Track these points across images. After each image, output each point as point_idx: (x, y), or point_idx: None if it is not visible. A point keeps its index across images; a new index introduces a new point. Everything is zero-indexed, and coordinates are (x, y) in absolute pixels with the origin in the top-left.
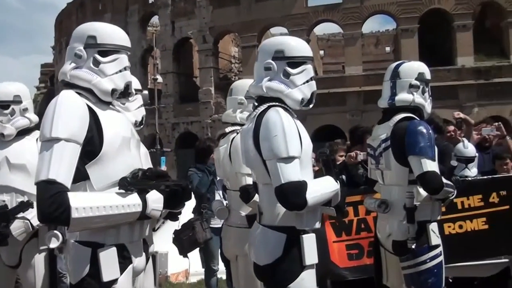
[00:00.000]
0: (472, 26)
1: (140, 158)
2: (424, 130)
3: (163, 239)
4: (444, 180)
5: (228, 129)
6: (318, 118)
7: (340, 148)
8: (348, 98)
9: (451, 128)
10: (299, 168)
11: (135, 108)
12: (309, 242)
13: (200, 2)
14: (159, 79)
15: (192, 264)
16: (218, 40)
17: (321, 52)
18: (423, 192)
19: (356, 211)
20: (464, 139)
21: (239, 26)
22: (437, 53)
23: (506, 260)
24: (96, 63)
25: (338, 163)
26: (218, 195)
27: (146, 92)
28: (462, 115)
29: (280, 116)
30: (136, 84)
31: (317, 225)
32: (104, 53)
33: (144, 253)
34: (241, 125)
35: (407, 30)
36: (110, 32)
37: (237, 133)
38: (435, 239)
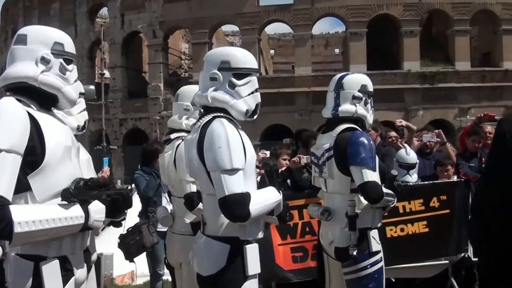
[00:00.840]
0: (419, 32)
1: (80, 167)
2: (366, 141)
3: (108, 241)
4: (385, 190)
5: (173, 135)
6: (267, 117)
7: (284, 152)
8: (297, 98)
9: (393, 134)
10: (243, 179)
11: (78, 112)
12: (252, 252)
13: None
14: (106, 74)
15: (138, 266)
16: (169, 35)
17: (272, 51)
18: (364, 201)
19: (301, 215)
20: (406, 146)
21: (190, 22)
22: (384, 57)
23: (446, 261)
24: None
25: (282, 168)
26: (165, 199)
27: (92, 87)
28: (404, 123)
29: (225, 127)
30: (79, 87)
31: (260, 234)
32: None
33: (85, 263)
34: (187, 131)
35: (356, 33)
36: None
37: (183, 140)
38: (376, 245)
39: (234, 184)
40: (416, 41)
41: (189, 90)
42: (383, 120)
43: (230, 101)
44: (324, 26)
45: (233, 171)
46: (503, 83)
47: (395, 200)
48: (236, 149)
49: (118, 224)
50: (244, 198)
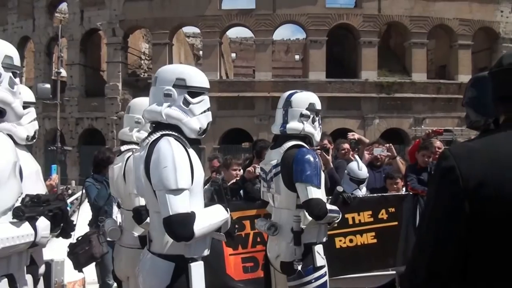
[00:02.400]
0: (378, 43)
1: (20, 184)
2: (311, 159)
3: (59, 247)
4: (329, 206)
5: (123, 148)
6: (227, 121)
7: (234, 163)
8: (257, 103)
9: (346, 146)
10: (188, 199)
11: (28, 122)
12: (197, 270)
13: None
14: (63, 72)
15: (89, 273)
16: (129, 34)
17: (233, 54)
18: (309, 217)
19: (253, 225)
20: (358, 159)
21: (150, 22)
22: (343, 66)
23: (393, 272)
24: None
25: (234, 179)
26: (116, 208)
27: (47, 85)
28: (356, 136)
29: (171, 147)
30: (29, 96)
31: (206, 252)
32: None
33: (32, 276)
34: (138, 144)
35: (316, 41)
36: None
37: (133, 152)
38: (320, 260)
39: (179, 204)
40: (374, 51)
41: (141, 103)
42: (340, 127)
43: (184, 118)
44: (285, 32)
45: (178, 191)
46: (458, 95)
47: (340, 216)
48: (182, 169)
49: (67, 235)
50: (188, 218)
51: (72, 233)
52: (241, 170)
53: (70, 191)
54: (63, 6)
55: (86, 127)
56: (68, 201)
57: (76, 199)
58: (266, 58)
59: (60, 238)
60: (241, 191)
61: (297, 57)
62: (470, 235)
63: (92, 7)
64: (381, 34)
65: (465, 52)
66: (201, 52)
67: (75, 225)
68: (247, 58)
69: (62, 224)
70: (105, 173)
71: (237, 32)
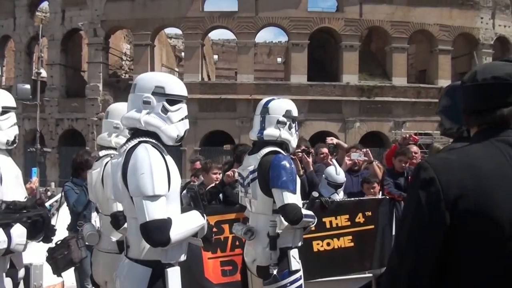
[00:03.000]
0: (359, 47)
1: None
2: (287, 165)
3: (38, 251)
4: (305, 211)
5: (102, 153)
6: (208, 122)
7: (214, 167)
8: (239, 105)
9: (325, 150)
10: (164, 206)
11: (8, 127)
12: (174, 275)
13: None
14: (43, 73)
15: (68, 277)
16: (110, 34)
17: (215, 56)
18: (285, 222)
19: (232, 229)
20: (336, 164)
21: (132, 23)
22: (325, 69)
23: (370, 275)
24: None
25: (214, 183)
26: (95, 213)
27: (27, 86)
28: (335, 141)
29: (149, 154)
30: (9, 101)
31: (182, 257)
32: None
33: (11, 279)
34: (116, 149)
35: (298, 44)
36: None
37: (111, 158)
38: (296, 264)
39: (155, 210)
40: (356, 55)
41: (119, 108)
42: (321, 130)
43: (162, 125)
44: (267, 35)
45: (154, 197)
46: (437, 99)
47: (315, 220)
48: (158, 175)
49: (48, 240)
50: (165, 224)
51: (53, 238)
52: (221, 174)
53: (49, 193)
54: (45, 5)
55: (66, 128)
56: (47, 203)
57: (56, 201)
58: (248, 61)
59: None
60: (221, 195)
61: (279, 60)
62: (451, 246)
63: (74, 6)
64: (362, 38)
65: (445, 57)
66: (183, 54)
67: (55, 229)
68: (229, 60)
69: (43, 231)
70: (84, 176)
71: (219, 34)
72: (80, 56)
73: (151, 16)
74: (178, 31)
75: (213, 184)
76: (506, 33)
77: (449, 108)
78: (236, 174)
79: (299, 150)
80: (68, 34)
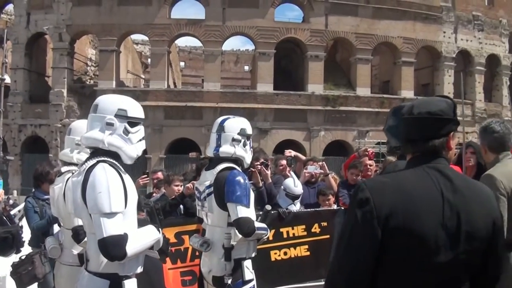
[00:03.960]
0: (324, 57)
1: None
2: (242, 180)
3: (0, 263)
4: (258, 224)
5: (64, 169)
6: (174, 130)
7: (176, 179)
8: (205, 113)
9: (284, 162)
10: (121, 222)
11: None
12: (131, 287)
13: None
14: (7, 79)
15: None
16: (75, 39)
17: (182, 63)
18: (239, 234)
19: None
20: (294, 176)
21: (98, 28)
22: (291, 78)
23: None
24: None
25: (175, 194)
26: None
27: None
28: (293, 153)
29: (106, 173)
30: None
31: (139, 269)
32: None
33: None
34: (78, 165)
35: (264, 53)
36: None
37: (73, 173)
38: (249, 274)
39: (112, 227)
40: (321, 65)
41: (82, 126)
42: (287, 138)
43: (124, 146)
44: (235, 43)
45: (111, 214)
46: None
47: (267, 232)
48: (115, 194)
49: (17, 252)
50: (121, 239)
51: (22, 249)
52: (183, 186)
53: (11, 202)
54: (10, 7)
55: (29, 135)
56: (12, 212)
57: (19, 211)
58: (215, 69)
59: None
60: (182, 206)
61: (246, 68)
62: (383, 257)
63: (39, 10)
64: (328, 49)
65: (408, 69)
66: (149, 60)
67: (24, 241)
68: (196, 67)
69: (14, 247)
70: (44, 189)
71: (186, 41)
72: (44, 60)
73: (117, 22)
74: (144, 37)
75: (173, 196)
76: (468, 46)
77: (395, 128)
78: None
79: (258, 163)
80: (32, 38)
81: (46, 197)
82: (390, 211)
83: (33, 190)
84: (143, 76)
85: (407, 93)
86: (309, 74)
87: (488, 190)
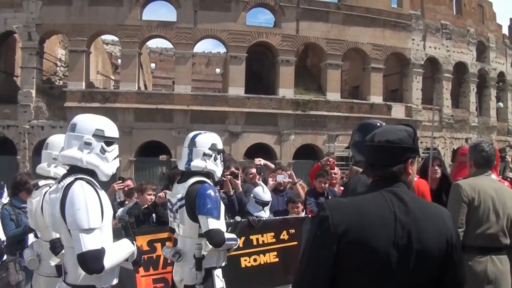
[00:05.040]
0: (295, 62)
1: None
2: (212, 194)
3: None
4: (227, 235)
5: (41, 183)
6: (144, 133)
7: (149, 188)
8: (176, 116)
9: (253, 170)
10: (99, 236)
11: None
12: None
13: None
14: None
15: None
16: (45, 39)
17: (153, 65)
18: (210, 244)
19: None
20: (263, 184)
21: (68, 28)
22: (262, 82)
23: None
24: None
25: (148, 203)
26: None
27: None
28: (263, 162)
29: (84, 191)
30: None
31: (115, 281)
32: None
33: None
34: (55, 178)
35: (236, 57)
36: None
37: (50, 187)
38: (219, 283)
39: (91, 242)
40: (292, 70)
41: (58, 140)
42: (258, 142)
43: (101, 164)
44: (206, 45)
45: (89, 230)
46: (369, 114)
47: (237, 242)
48: (93, 210)
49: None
50: (99, 253)
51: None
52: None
53: None
54: None
55: None
56: None
57: None
58: (186, 71)
59: None
60: (154, 215)
61: (217, 70)
62: (341, 270)
63: (9, 8)
64: (299, 53)
65: (377, 74)
66: (119, 61)
67: (4, 253)
68: (166, 69)
69: None
70: (22, 198)
71: (157, 42)
72: (13, 60)
73: (87, 22)
74: (115, 38)
75: (146, 205)
76: (436, 54)
77: (360, 143)
78: (168, 195)
79: (228, 173)
80: (1, 37)
81: (23, 205)
82: (346, 229)
83: (11, 198)
84: (113, 78)
85: (376, 98)
86: (280, 78)
87: (442, 211)
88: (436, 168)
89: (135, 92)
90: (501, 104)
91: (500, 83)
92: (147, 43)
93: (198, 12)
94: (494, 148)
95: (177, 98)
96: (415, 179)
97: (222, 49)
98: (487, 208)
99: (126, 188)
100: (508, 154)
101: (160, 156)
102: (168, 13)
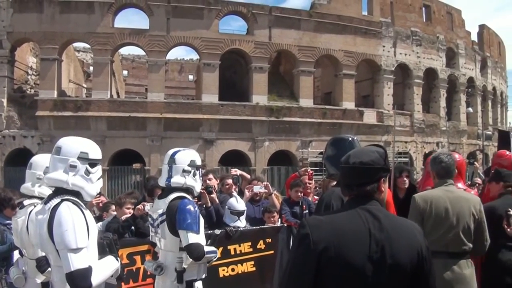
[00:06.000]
0: (268, 69)
1: None
2: (192, 209)
3: None
4: (207, 248)
5: (26, 202)
6: (117, 141)
7: (128, 202)
8: (149, 124)
9: (230, 181)
10: (86, 255)
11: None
12: None
13: (0, 3)
14: None
15: None
16: (16, 47)
17: (125, 72)
18: (190, 258)
19: (143, 260)
20: (236, 195)
21: (40, 36)
22: (235, 89)
23: None
24: None
25: (126, 216)
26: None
27: None
28: (239, 172)
29: (71, 212)
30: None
31: None
32: None
33: None
34: (40, 198)
35: (209, 64)
36: None
37: (35, 206)
38: None
39: (78, 261)
40: (265, 77)
41: (42, 160)
42: (232, 149)
43: (86, 186)
44: (179, 52)
45: (77, 249)
46: (342, 120)
47: (216, 255)
48: (79, 230)
49: None
50: (87, 272)
51: None
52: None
53: None
54: None
55: None
56: None
57: None
58: (159, 79)
59: None
60: (133, 227)
61: (190, 77)
62: (321, 284)
63: None
64: (272, 60)
65: (349, 81)
66: (91, 68)
67: None
68: (139, 76)
69: None
70: (6, 214)
71: (129, 49)
72: None
73: (59, 30)
74: (86, 45)
75: (124, 218)
76: (406, 60)
77: (333, 157)
78: (147, 207)
79: (203, 188)
80: None
81: (8, 222)
82: (325, 245)
83: None
84: (85, 86)
85: (348, 104)
86: (254, 85)
87: (412, 226)
88: (405, 179)
89: (108, 100)
90: (470, 109)
91: (469, 89)
92: (119, 50)
93: (170, 19)
94: (453, 159)
95: (150, 106)
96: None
97: (195, 56)
98: (440, 217)
99: (100, 204)
100: (479, 157)
101: (134, 165)
102: (140, 21)
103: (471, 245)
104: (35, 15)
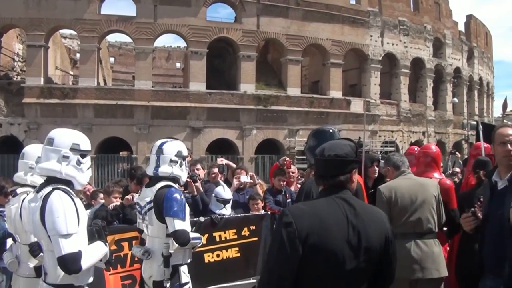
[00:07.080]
0: (256, 57)
1: None
2: (178, 197)
3: None
4: (192, 234)
5: (19, 190)
6: (105, 129)
7: (115, 191)
8: (136, 112)
9: (216, 170)
10: (76, 240)
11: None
12: None
13: None
14: None
15: None
16: (2, 33)
17: (112, 59)
18: (176, 244)
19: (131, 246)
20: (223, 184)
21: (26, 22)
22: (223, 78)
23: (254, 280)
24: None
25: (114, 204)
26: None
27: None
28: (225, 161)
29: (62, 200)
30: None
31: (90, 279)
32: None
33: None
34: (32, 186)
35: (197, 52)
36: None
37: (27, 194)
38: (185, 278)
39: (69, 246)
40: (253, 65)
41: (34, 150)
42: (220, 137)
43: (77, 175)
44: (167, 39)
45: (68, 235)
46: (329, 109)
47: (201, 241)
48: (70, 217)
49: None
50: (77, 256)
51: None
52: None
53: None
54: None
55: None
56: None
57: None
58: (146, 67)
59: None
60: (121, 215)
61: (178, 64)
62: (305, 268)
63: None
64: (260, 49)
65: (336, 70)
66: (78, 55)
67: None
68: (126, 63)
69: None
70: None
71: (116, 36)
72: None
73: (45, 16)
74: (73, 32)
75: (113, 205)
76: (394, 50)
77: (314, 148)
78: (135, 197)
79: (188, 177)
80: None
81: (1, 209)
82: (308, 232)
83: None
84: (71, 73)
85: (336, 93)
86: (242, 73)
87: (381, 213)
88: (375, 168)
89: (95, 87)
90: (455, 99)
91: (456, 79)
92: (106, 37)
93: (158, 6)
94: (402, 155)
95: (137, 93)
96: None
97: (182, 43)
98: (404, 202)
99: (88, 192)
100: (464, 147)
101: (121, 152)
102: (127, 7)
103: (435, 224)
104: (21, 0)
